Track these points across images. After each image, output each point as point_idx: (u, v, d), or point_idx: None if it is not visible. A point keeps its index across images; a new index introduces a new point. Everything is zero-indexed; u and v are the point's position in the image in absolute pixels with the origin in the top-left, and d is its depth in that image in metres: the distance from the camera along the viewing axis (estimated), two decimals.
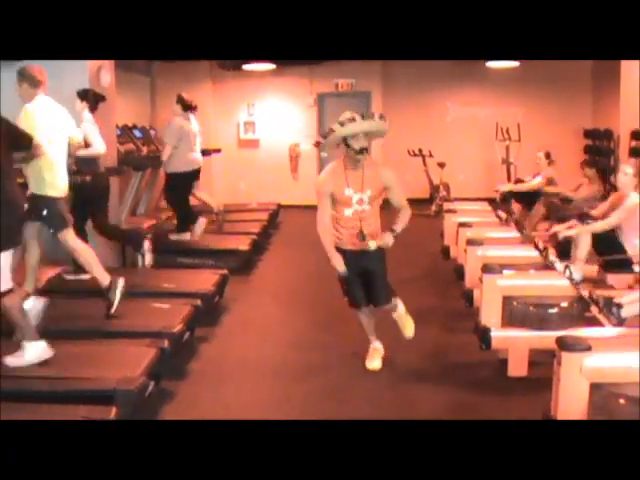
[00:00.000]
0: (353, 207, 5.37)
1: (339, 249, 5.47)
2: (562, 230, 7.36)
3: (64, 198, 5.91)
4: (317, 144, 5.53)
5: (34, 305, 5.31)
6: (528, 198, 10.28)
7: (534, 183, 10.34)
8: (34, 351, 4.85)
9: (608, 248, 6.97)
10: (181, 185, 9.47)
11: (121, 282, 5.90)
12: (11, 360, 4.83)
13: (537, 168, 10.57)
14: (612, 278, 6.71)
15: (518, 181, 11.42)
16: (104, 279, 5.93)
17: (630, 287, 6.25)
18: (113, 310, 5.83)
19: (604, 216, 7.25)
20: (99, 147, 7.37)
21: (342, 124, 5.22)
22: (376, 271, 5.58)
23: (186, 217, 9.62)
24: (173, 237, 9.54)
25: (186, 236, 9.50)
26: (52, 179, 5.75)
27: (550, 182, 10.16)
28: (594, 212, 7.60)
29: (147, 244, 7.43)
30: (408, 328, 5.89)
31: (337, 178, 5.37)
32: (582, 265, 6.84)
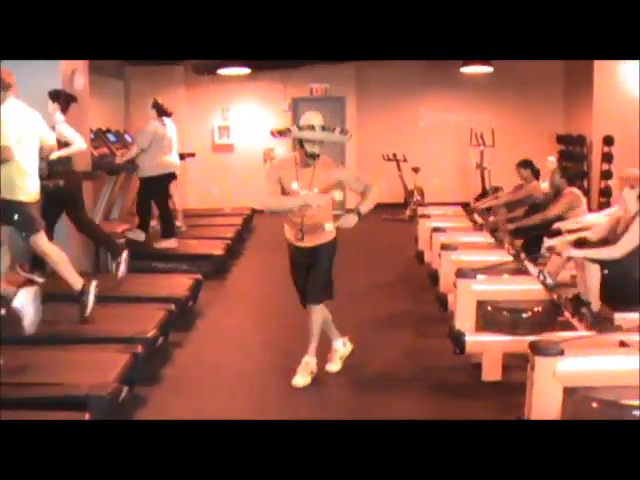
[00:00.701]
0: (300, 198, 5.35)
1: (288, 244, 5.54)
2: (562, 245, 6.35)
3: (36, 202, 5.86)
4: (272, 133, 5.51)
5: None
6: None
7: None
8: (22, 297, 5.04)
9: (618, 283, 5.71)
10: (153, 189, 9.40)
11: (94, 285, 5.85)
12: None
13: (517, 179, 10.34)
14: (620, 318, 5.56)
15: (495, 190, 11.25)
16: (77, 283, 5.87)
17: None
18: (87, 313, 5.78)
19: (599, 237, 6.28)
20: (80, 144, 7.33)
21: (300, 129, 5.26)
22: (313, 267, 5.51)
23: (170, 222, 9.58)
24: (158, 245, 9.41)
25: (172, 243, 9.42)
26: (23, 184, 5.70)
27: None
28: (591, 236, 6.39)
29: (125, 254, 7.34)
30: (335, 364, 5.77)
31: (287, 170, 5.40)
32: (597, 302, 5.83)
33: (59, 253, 5.99)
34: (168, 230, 9.53)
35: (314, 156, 5.29)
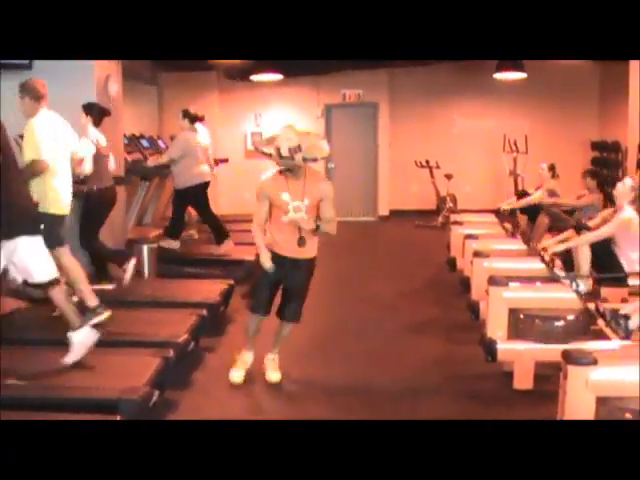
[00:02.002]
0: (290, 214, 5.33)
1: (271, 252, 5.49)
2: (551, 245, 7.39)
3: (65, 215, 5.90)
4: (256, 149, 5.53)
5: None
6: (531, 211, 10.14)
7: (535, 197, 10.22)
8: (81, 336, 4.98)
9: (605, 262, 6.97)
10: (189, 200, 9.43)
11: (102, 314, 5.74)
12: (68, 359, 4.95)
13: (540, 180, 10.52)
14: (606, 291, 6.63)
15: (521, 194, 11.27)
16: (92, 300, 5.80)
17: (624, 300, 6.20)
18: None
19: (597, 228, 7.27)
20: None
21: (280, 156, 5.21)
22: (298, 284, 5.57)
23: (179, 224, 9.57)
24: (162, 243, 9.30)
25: (175, 244, 9.44)
26: (55, 196, 5.75)
27: (552, 194, 10.01)
28: (591, 223, 7.61)
29: (133, 262, 7.34)
30: (274, 375, 5.74)
31: (277, 183, 5.38)
32: (585, 278, 6.81)
33: (78, 268, 5.98)
34: (222, 234, 9.54)
35: (290, 170, 5.28)
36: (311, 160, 5.29)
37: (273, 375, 5.69)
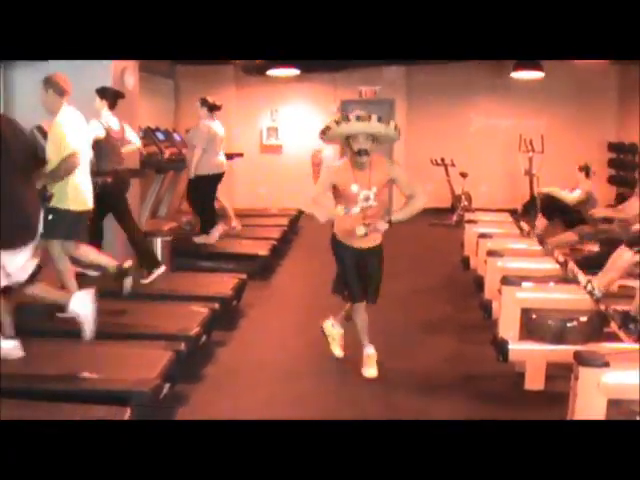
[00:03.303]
0: (359, 204, 5.45)
1: (343, 244, 5.59)
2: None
3: (83, 212, 5.96)
4: (321, 136, 5.54)
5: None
6: (569, 215, 9.65)
7: (571, 197, 9.74)
8: (77, 303, 5.08)
9: None
10: (206, 188, 9.49)
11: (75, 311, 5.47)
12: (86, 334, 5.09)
13: (573, 182, 10.04)
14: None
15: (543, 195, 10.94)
16: (66, 298, 5.50)
17: None
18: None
19: None
20: (136, 141, 7.47)
21: (337, 123, 5.30)
22: (375, 268, 5.70)
23: (211, 219, 9.65)
24: (197, 240, 9.56)
25: (211, 239, 9.51)
26: (76, 193, 5.80)
27: (590, 197, 9.58)
28: None
29: (161, 270, 7.38)
30: (371, 369, 5.72)
31: (344, 174, 5.45)
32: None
33: (67, 265, 6.03)
34: (208, 227, 9.62)
35: (362, 152, 5.32)
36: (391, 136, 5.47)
37: (371, 371, 5.70)
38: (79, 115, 5.92)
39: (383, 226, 5.44)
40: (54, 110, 5.72)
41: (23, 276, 4.96)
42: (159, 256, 7.87)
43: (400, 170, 5.57)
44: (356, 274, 5.65)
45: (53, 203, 5.67)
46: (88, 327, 5.07)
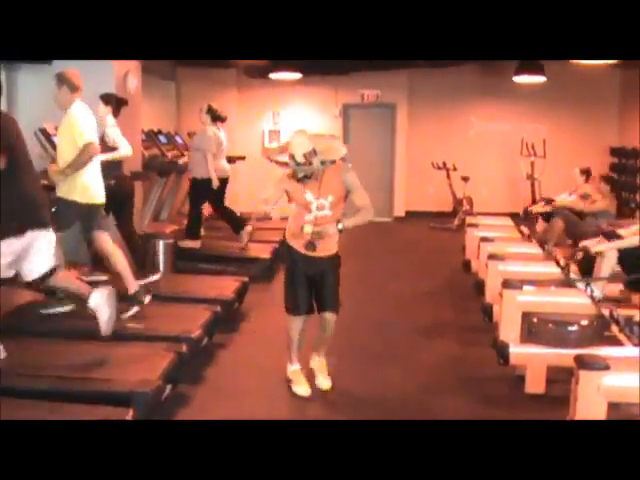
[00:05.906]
0: (313, 212, 5.27)
1: (294, 250, 5.40)
2: (593, 245, 7.22)
3: (96, 205, 5.99)
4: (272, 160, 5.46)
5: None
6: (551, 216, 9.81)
7: (568, 201, 9.92)
8: (97, 299, 5.05)
9: (635, 266, 6.78)
10: (206, 191, 9.47)
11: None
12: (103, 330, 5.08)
13: (573, 185, 10.28)
14: (637, 297, 6.55)
15: (548, 202, 10.97)
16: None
17: None
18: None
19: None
20: (126, 150, 7.35)
21: (296, 163, 5.09)
22: (327, 277, 5.44)
23: (196, 225, 9.61)
24: (182, 244, 9.31)
25: (195, 244, 9.48)
26: (85, 186, 5.83)
27: (586, 199, 9.73)
28: (622, 232, 7.31)
29: (156, 277, 7.41)
30: (324, 381, 5.61)
31: (296, 183, 5.26)
32: (604, 283, 6.74)
33: (118, 255, 6.16)
34: (193, 231, 9.55)
35: (304, 179, 5.18)
36: (329, 163, 5.19)
37: (324, 382, 5.57)
38: (90, 112, 6.00)
39: (332, 229, 5.21)
40: (66, 106, 5.81)
41: (29, 267, 4.91)
42: (160, 258, 7.87)
43: (355, 178, 5.30)
44: (301, 282, 5.43)
45: (61, 194, 5.72)
46: (104, 325, 5.06)
